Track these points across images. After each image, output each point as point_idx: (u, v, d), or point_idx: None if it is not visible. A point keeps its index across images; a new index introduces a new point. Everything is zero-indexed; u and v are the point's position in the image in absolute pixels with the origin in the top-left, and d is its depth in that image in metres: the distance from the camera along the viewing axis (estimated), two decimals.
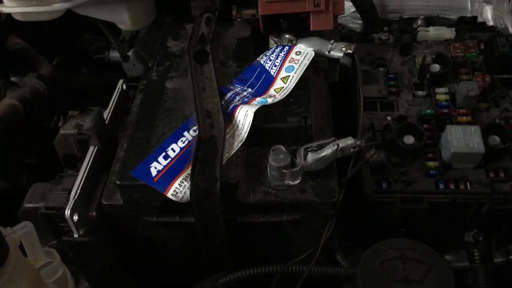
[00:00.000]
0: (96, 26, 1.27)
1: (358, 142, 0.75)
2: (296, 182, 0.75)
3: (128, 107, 0.96)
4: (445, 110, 0.92)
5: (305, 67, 0.85)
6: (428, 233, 0.92)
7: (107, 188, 0.78)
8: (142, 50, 1.33)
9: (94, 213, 0.80)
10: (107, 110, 0.91)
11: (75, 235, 0.77)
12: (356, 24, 1.17)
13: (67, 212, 0.75)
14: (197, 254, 0.81)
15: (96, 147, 0.84)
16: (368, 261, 0.64)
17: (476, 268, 0.89)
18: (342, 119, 0.91)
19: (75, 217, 0.76)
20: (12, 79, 1.24)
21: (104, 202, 0.76)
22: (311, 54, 0.87)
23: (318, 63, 0.93)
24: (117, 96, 0.93)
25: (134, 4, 1.23)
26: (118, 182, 0.74)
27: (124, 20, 1.24)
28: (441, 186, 0.85)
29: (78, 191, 0.77)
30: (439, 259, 0.65)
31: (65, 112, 1.51)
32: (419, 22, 1.09)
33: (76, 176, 0.82)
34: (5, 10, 0.94)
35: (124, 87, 0.97)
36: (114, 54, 1.36)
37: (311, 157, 0.74)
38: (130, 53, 1.34)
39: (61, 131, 0.91)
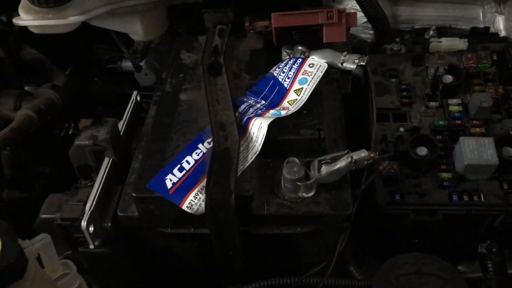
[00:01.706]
0: (109, 36, 1.29)
1: (372, 155, 0.76)
2: (310, 194, 0.75)
3: (142, 118, 0.97)
4: (458, 122, 0.92)
5: (318, 79, 0.86)
6: (441, 244, 0.92)
7: (122, 200, 0.78)
8: (155, 60, 1.35)
9: (109, 224, 0.80)
10: (122, 122, 0.92)
11: (91, 246, 0.78)
12: (367, 34, 1.17)
13: (83, 224, 0.76)
14: (211, 265, 0.82)
15: (111, 159, 0.85)
16: (385, 276, 0.64)
17: (490, 279, 0.89)
18: (355, 130, 0.91)
19: (91, 228, 0.77)
20: (26, 88, 1.26)
21: (120, 214, 0.77)
22: (324, 66, 0.88)
23: (331, 75, 0.93)
24: (131, 108, 0.94)
25: (146, 16, 1.24)
26: (134, 194, 0.74)
27: (136, 31, 1.25)
28: (455, 198, 0.85)
29: (94, 203, 0.78)
30: (455, 274, 0.65)
31: (76, 120, 1.54)
32: (431, 32, 1.09)
33: (91, 187, 0.83)
34: (22, 23, 0.95)
35: (138, 98, 0.98)
36: (127, 64, 1.38)
37: (325, 169, 0.74)
38: (142, 63, 1.35)
39: (76, 142, 0.92)
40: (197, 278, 0.87)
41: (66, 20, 0.94)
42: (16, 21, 0.96)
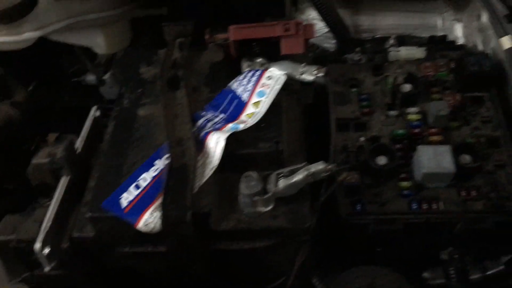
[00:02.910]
0: (72, 48, 1.27)
1: (329, 167, 0.76)
2: (269, 208, 0.75)
3: (103, 134, 0.96)
4: (417, 130, 0.93)
5: (276, 92, 0.86)
6: (404, 252, 0.93)
7: (78, 220, 0.77)
8: (119, 72, 1.34)
9: (67, 245, 0.79)
10: (80, 138, 0.91)
11: (46, 269, 0.76)
12: (330, 44, 1.18)
13: (38, 245, 0.74)
14: (175, 282, 0.81)
15: (68, 177, 0.83)
16: None
17: (452, 285, 0.90)
18: (320, 140, 0.92)
19: (47, 250, 0.75)
20: None
21: (75, 235, 0.76)
22: (283, 78, 0.88)
23: (292, 86, 0.93)
24: (90, 124, 0.93)
25: (109, 28, 1.23)
26: (88, 215, 0.73)
27: (99, 44, 1.24)
28: (414, 206, 0.86)
29: (50, 223, 0.77)
30: (408, 286, 0.65)
31: (45, 134, 1.51)
32: (391, 41, 1.10)
33: (47, 207, 0.82)
34: None
35: (98, 113, 0.96)
36: (91, 78, 1.37)
37: (282, 183, 0.74)
38: (106, 76, 1.34)
39: (34, 161, 0.91)
40: None
41: (20, 37, 0.93)
42: None
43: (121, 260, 0.79)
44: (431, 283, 0.98)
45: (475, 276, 0.95)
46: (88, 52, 1.29)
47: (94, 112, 0.95)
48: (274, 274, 0.81)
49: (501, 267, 0.91)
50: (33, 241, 0.77)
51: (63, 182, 0.83)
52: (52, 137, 1.55)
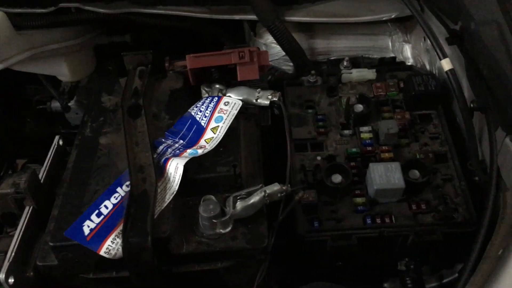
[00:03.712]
0: (37, 76, 1.29)
1: (284, 187, 0.80)
2: (228, 230, 0.78)
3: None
4: (369, 148, 0.98)
5: (233, 117, 0.90)
6: (363, 265, 0.97)
7: (41, 249, 0.79)
8: (84, 99, 1.36)
9: (32, 274, 0.80)
10: (43, 168, 0.92)
11: None
12: (288, 66, 1.23)
13: (2, 276, 0.75)
14: None
15: (31, 207, 0.85)
16: None
17: None
18: (279, 160, 0.95)
19: (11, 280, 0.77)
20: None
21: (39, 263, 0.77)
22: (239, 104, 0.92)
23: (250, 110, 0.97)
24: (53, 153, 0.95)
25: (72, 57, 1.26)
26: (51, 243, 0.75)
27: (63, 72, 1.27)
28: (368, 221, 0.90)
29: (13, 254, 0.78)
30: None
31: (12, 161, 1.52)
32: (345, 63, 1.15)
33: (11, 237, 0.83)
34: None
35: (61, 142, 0.98)
36: (56, 105, 1.38)
37: (240, 205, 0.78)
38: (72, 103, 1.36)
39: None
40: None
41: None
42: None
43: (84, 286, 0.81)
44: None
45: (431, 285, 1.00)
46: (52, 79, 1.31)
47: (56, 141, 0.97)
48: None
49: (456, 275, 0.97)
50: None
51: (26, 211, 0.84)
52: (20, 163, 1.56)
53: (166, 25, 1.23)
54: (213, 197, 0.79)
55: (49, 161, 0.93)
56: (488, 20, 0.89)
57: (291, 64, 1.21)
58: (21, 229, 0.82)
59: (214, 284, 0.83)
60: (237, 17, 1.18)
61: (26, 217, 0.83)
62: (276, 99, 0.93)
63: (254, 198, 0.78)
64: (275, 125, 1.03)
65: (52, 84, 1.32)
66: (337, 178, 0.93)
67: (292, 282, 0.97)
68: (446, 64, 0.89)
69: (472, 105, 0.89)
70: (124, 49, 1.37)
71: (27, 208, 0.85)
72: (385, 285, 1.03)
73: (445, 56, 0.89)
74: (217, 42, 1.29)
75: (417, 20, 0.95)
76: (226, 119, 0.89)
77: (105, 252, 0.73)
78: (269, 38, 1.21)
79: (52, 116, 1.44)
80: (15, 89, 1.44)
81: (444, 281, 1.00)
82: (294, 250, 0.94)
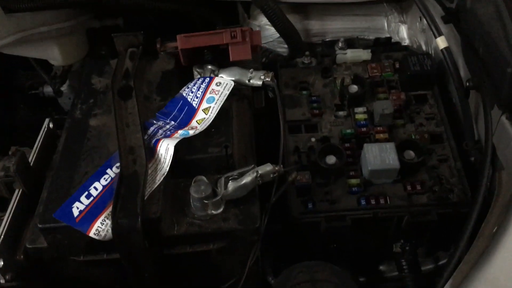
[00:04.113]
0: (29, 61, 1.27)
1: (276, 168, 0.79)
2: (219, 211, 0.77)
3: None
4: (364, 129, 0.97)
5: (225, 97, 0.88)
6: (357, 247, 0.96)
7: (31, 231, 0.78)
8: (77, 83, 1.34)
9: (22, 257, 0.80)
10: (33, 151, 0.91)
11: (1, 281, 0.77)
12: (283, 48, 1.21)
13: None
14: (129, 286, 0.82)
15: (20, 190, 0.84)
16: (280, 286, 0.67)
17: (405, 277, 0.94)
18: (273, 142, 0.94)
19: (1, 263, 0.76)
20: None
21: (28, 246, 0.76)
22: (231, 84, 0.91)
23: (242, 91, 0.96)
24: (43, 136, 0.94)
25: (64, 40, 1.24)
26: (40, 225, 0.74)
27: (54, 56, 1.25)
28: (363, 202, 0.89)
29: (2, 236, 0.77)
30: (346, 277, 0.68)
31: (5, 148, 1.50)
32: (340, 44, 1.13)
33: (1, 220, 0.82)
34: None
35: (51, 125, 0.97)
36: (49, 90, 1.37)
37: (231, 185, 0.77)
38: (64, 88, 1.34)
39: None
40: None
41: None
42: None
43: (75, 269, 0.80)
44: (386, 276, 1.03)
45: (428, 267, 1.00)
46: (44, 64, 1.30)
47: (46, 124, 0.95)
48: (226, 275, 0.82)
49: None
50: None
51: (16, 195, 0.83)
52: (13, 149, 1.54)
53: (158, 7, 1.21)
54: (204, 178, 0.78)
55: (39, 144, 0.92)
56: None
57: (286, 46, 1.19)
58: (10, 212, 0.80)
59: (203, 266, 0.82)
60: None
61: (15, 201, 0.82)
62: (269, 79, 0.92)
63: (246, 179, 0.77)
64: (269, 107, 1.02)
65: (45, 70, 1.31)
66: (331, 159, 0.92)
67: (285, 266, 0.97)
68: (441, 42, 0.88)
69: (468, 84, 0.88)
70: (116, 32, 1.36)
71: (16, 191, 0.84)
72: (381, 267, 1.03)
73: (440, 34, 0.88)
74: (210, 25, 1.27)
75: None
76: (218, 100, 0.88)
77: (94, 234, 0.72)
78: (263, 20, 1.19)
79: (45, 101, 1.43)
80: (6, 75, 1.43)
81: (440, 263, 1.00)
82: (287, 233, 0.93)
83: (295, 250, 0.97)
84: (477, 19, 0.85)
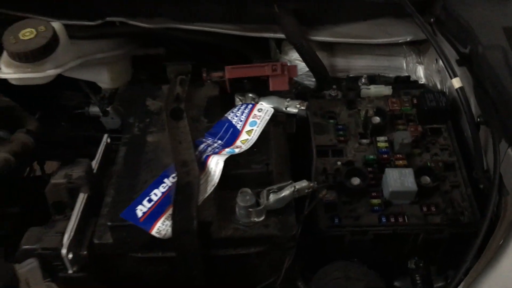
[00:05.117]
0: (75, 83, 1.41)
1: (311, 184, 0.90)
2: (261, 219, 0.89)
3: (112, 158, 1.08)
4: (385, 156, 1.09)
5: (266, 122, 1.01)
6: (376, 261, 1.07)
7: (97, 230, 0.89)
8: (120, 105, 1.48)
9: (85, 252, 0.91)
10: (95, 161, 1.04)
11: (70, 271, 0.88)
12: (310, 81, 1.34)
13: (64, 251, 0.86)
14: (176, 285, 0.93)
15: (86, 194, 0.96)
16: (318, 281, 0.78)
17: None
18: (301, 164, 1.06)
19: (70, 256, 0.87)
20: None
21: (96, 241, 0.88)
22: (271, 111, 1.03)
23: (278, 118, 1.08)
24: (102, 149, 1.06)
25: (113, 66, 1.38)
26: (109, 223, 0.86)
27: (104, 79, 1.38)
28: (384, 220, 1.00)
29: (72, 233, 0.89)
30: (375, 277, 0.79)
31: (42, 162, 1.63)
32: (363, 80, 1.27)
33: (68, 220, 0.94)
34: (3, 76, 1.06)
35: (109, 140, 1.10)
36: (94, 109, 1.50)
37: (272, 197, 0.89)
38: (109, 108, 1.47)
39: (52, 181, 1.03)
40: None
41: (44, 73, 1.06)
42: None
43: (131, 265, 0.91)
44: None
45: (438, 284, 1.10)
46: (91, 86, 1.43)
47: (105, 139, 1.08)
48: (260, 278, 0.93)
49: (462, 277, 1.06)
50: (56, 249, 0.89)
51: (82, 198, 0.95)
52: (50, 165, 1.66)
53: (200, 40, 1.35)
54: (249, 190, 0.89)
55: (100, 155, 1.04)
56: (494, 45, 1.02)
57: (313, 79, 1.32)
58: (78, 212, 0.92)
59: (244, 269, 0.93)
60: (265, 35, 1.30)
61: (82, 203, 0.94)
62: (304, 108, 1.04)
63: (285, 192, 0.89)
64: (297, 133, 1.15)
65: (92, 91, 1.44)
66: (356, 181, 1.04)
67: (310, 271, 1.07)
68: (456, 83, 1.01)
69: (478, 120, 1.01)
70: (158, 61, 1.51)
71: (82, 194, 0.96)
72: (396, 283, 1.13)
73: (455, 75, 1.01)
74: (239, 57, 1.40)
75: (431, 42, 1.07)
76: (259, 124, 1.00)
77: (156, 232, 0.83)
78: (293, 55, 1.32)
79: (85, 120, 1.55)
80: (53, 95, 1.56)
81: (450, 281, 1.10)
82: (314, 245, 1.04)
83: (319, 262, 1.08)
84: (488, 64, 0.98)
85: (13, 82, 1.09)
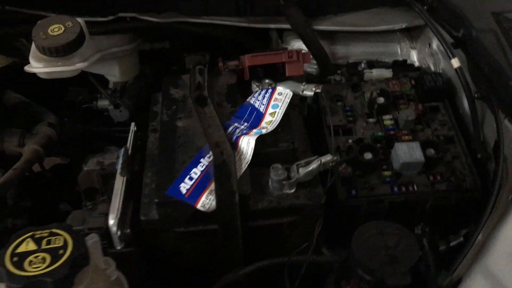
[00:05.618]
0: (79, 79, 1.46)
1: (335, 158, 1.00)
2: (292, 191, 0.98)
3: (137, 146, 1.14)
4: (392, 132, 1.20)
5: (286, 104, 1.10)
6: None
7: (142, 207, 0.96)
8: (127, 98, 1.53)
9: (129, 230, 0.98)
10: (128, 147, 1.10)
11: (118, 247, 0.95)
12: (312, 68, 1.43)
13: (114, 228, 0.93)
14: (214, 257, 1.01)
15: (125, 177, 1.02)
16: (358, 237, 0.87)
17: (425, 253, 1.15)
18: (313, 144, 1.15)
19: (119, 233, 0.94)
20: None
21: (143, 218, 0.95)
22: (290, 94, 1.12)
23: (293, 101, 1.17)
24: (132, 135, 1.12)
25: (123, 60, 1.44)
26: (156, 200, 0.93)
27: (115, 73, 1.44)
28: (396, 189, 1.11)
29: (119, 213, 0.95)
30: (407, 232, 0.90)
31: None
32: (363, 65, 1.37)
33: (109, 202, 1.00)
34: (33, 70, 1.11)
35: (135, 128, 1.16)
36: (102, 103, 1.55)
37: (302, 171, 0.97)
38: (119, 101, 1.53)
39: (85, 168, 1.09)
40: (202, 270, 1.05)
41: (73, 67, 1.12)
42: (28, 68, 1.12)
43: (173, 241, 0.98)
44: None
45: (442, 248, 1.21)
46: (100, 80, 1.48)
47: (133, 127, 1.14)
48: (292, 247, 1.02)
49: (461, 239, 1.18)
50: (101, 228, 0.96)
51: (122, 181, 1.01)
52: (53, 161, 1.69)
53: (208, 33, 1.43)
54: (279, 165, 0.98)
55: (131, 142, 1.11)
56: (486, 29, 1.13)
57: (315, 66, 1.42)
58: (120, 193, 0.99)
59: (277, 238, 1.02)
60: (272, 26, 1.39)
61: (123, 185, 1.00)
62: (319, 91, 1.14)
63: (312, 166, 0.98)
64: (308, 115, 1.24)
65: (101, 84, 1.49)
66: (368, 156, 1.14)
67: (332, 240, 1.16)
68: (455, 62, 1.12)
69: (476, 95, 1.12)
70: (161, 55, 1.58)
71: (120, 178, 1.02)
72: None
73: (454, 56, 1.12)
74: (237, 48, 1.48)
75: (429, 27, 1.18)
76: (281, 106, 1.09)
77: (201, 206, 0.91)
78: (295, 44, 1.41)
79: (90, 115, 1.60)
80: (57, 91, 1.60)
81: (452, 244, 1.21)
82: (333, 216, 1.13)
83: (336, 234, 1.17)
84: (482, 46, 1.10)
85: (42, 76, 1.14)
